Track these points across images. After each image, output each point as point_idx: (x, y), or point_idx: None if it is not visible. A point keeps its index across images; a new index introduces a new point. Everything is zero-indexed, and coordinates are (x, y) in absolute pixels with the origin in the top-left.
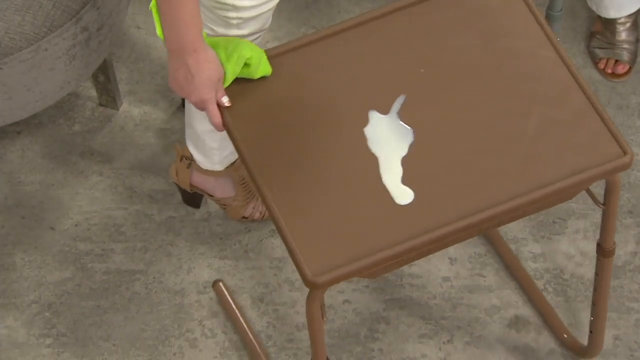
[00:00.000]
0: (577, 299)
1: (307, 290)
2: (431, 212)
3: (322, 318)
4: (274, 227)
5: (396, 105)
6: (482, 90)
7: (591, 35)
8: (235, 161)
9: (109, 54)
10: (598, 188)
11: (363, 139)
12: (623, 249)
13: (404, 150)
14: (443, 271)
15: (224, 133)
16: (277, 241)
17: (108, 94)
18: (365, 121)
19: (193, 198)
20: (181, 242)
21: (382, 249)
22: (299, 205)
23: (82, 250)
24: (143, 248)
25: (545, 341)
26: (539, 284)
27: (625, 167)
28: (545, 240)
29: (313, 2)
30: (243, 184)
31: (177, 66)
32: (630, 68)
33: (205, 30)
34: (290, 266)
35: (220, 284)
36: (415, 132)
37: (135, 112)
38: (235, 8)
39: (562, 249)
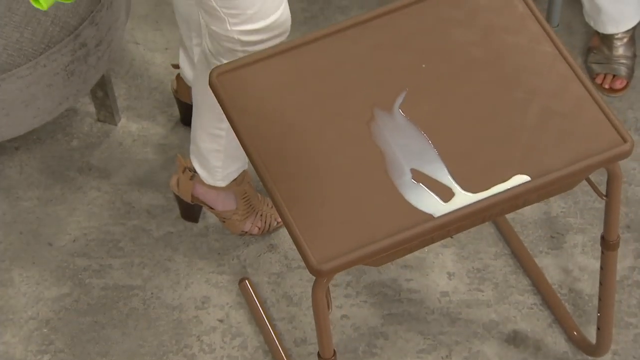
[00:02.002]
0: (576, 314)
1: (305, 305)
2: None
3: (328, 308)
4: (272, 242)
5: (399, 100)
6: (483, 84)
7: (588, 51)
8: (237, 177)
9: (107, 70)
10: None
11: (368, 133)
12: (621, 264)
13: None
14: (441, 286)
15: (228, 153)
16: (275, 256)
17: (106, 109)
18: (370, 116)
19: (192, 211)
20: (179, 258)
21: (385, 236)
22: (304, 195)
23: (80, 266)
24: (141, 263)
25: (544, 356)
26: (537, 298)
27: (625, 154)
28: (543, 255)
29: (311, 18)
30: (244, 198)
31: None
32: (627, 83)
33: (215, 61)
34: (289, 281)
35: (246, 281)
36: (417, 126)
37: (133, 127)
38: (242, 43)
39: (560, 263)
